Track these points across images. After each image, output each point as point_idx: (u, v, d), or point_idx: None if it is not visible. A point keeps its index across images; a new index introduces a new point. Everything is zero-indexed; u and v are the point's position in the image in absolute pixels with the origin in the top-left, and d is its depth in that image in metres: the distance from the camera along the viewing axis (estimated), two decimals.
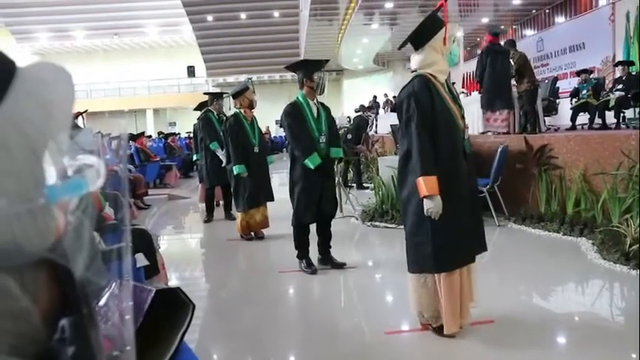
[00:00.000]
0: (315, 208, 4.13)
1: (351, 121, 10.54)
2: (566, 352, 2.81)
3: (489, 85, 7.05)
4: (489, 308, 3.37)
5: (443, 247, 2.68)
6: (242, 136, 5.43)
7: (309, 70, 4.21)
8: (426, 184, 2.59)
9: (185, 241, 6.64)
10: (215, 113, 7.04)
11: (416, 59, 2.84)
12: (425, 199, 2.60)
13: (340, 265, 4.36)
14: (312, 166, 4.01)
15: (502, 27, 8.57)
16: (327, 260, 4.40)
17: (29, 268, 0.29)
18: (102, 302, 0.42)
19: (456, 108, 2.80)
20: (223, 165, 6.49)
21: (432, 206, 2.60)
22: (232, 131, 5.41)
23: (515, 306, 3.43)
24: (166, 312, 0.68)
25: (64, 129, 0.33)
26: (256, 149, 5.50)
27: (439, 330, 2.83)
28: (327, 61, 4.55)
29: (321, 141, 4.17)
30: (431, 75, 2.76)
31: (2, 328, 0.27)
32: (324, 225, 4.38)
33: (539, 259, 4.54)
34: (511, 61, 7.11)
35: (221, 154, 6.60)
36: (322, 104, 4.37)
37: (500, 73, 6.93)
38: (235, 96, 5.68)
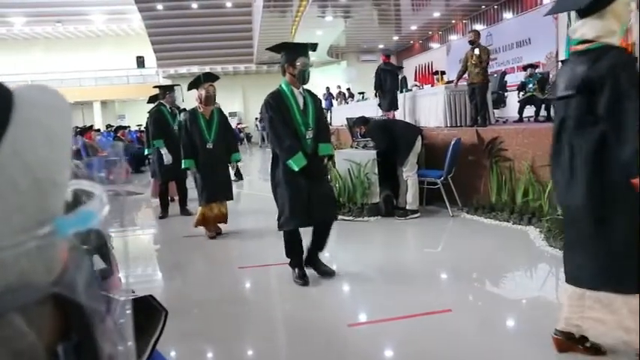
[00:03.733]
0: (303, 212, 3.59)
1: None
2: (518, 336, 2.94)
3: (386, 93, 9.17)
4: (446, 297, 3.49)
5: None
6: (195, 132, 5.32)
7: (291, 54, 3.66)
8: None
9: (140, 239, 6.46)
10: (168, 106, 6.86)
11: (593, 26, 2.18)
12: None
13: (329, 274, 3.83)
14: (296, 168, 3.49)
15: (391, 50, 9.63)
16: (313, 263, 3.88)
17: (37, 304, 0.29)
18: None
19: None
20: (166, 163, 6.47)
21: None
22: (184, 127, 5.39)
23: (469, 293, 3.56)
24: (137, 319, 0.65)
25: (66, 156, 0.32)
26: (209, 145, 5.33)
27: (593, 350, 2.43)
28: (315, 45, 3.91)
29: (307, 137, 3.63)
30: None
31: None
32: (319, 231, 3.82)
33: (491, 248, 4.72)
34: (476, 50, 7.33)
35: (165, 153, 6.49)
36: (310, 92, 3.79)
37: (390, 85, 9.11)
38: (189, 89, 5.57)
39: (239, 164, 5.75)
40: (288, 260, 3.87)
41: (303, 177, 3.54)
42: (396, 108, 9.22)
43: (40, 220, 0.28)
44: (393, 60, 10.52)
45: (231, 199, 5.59)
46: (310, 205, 3.57)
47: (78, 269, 0.32)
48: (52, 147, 0.30)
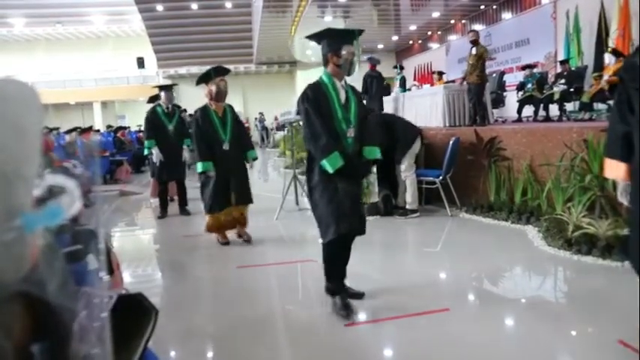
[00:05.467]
0: (344, 216, 3.08)
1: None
2: (515, 335, 2.95)
3: (371, 97, 10.10)
4: (444, 296, 3.50)
5: None
6: (209, 131, 4.85)
7: (335, 42, 3.19)
8: None
9: (139, 239, 6.47)
10: (164, 106, 6.86)
11: None
12: None
13: (359, 296, 3.42)
14: (330, 170, 3.03)
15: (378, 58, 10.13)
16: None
17: (3, 302, 0.27)
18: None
19: None
20: (155, 161, 6.55)
21: None
22: (197, 126, 4.89)
23: (468, 293, 3.58)
24: (128, 319, 0.65)
25: (35, 150, 0.30)
26: (225, 146, 4.87)
27: None
28: (362, 31, 3.34)
29: (348, 135, 3.16)
30: None
31: None
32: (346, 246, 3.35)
33: (489, 247, 4.73)
34: (473, 50, 7.35)
35: (156, 153, 6.53)
36: (352, 87, 3.33)
37: (376, 90, 10.08)
38: (198, 84, 5.16)
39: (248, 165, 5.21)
40: (326, 283, 3.32)
41: (342, 180, 3.10)
42: (382, 110, 10.09)
43: (7, 216, 0.27)
44: (392, 59, 10.79)
45: (250, 202, 5.10)
46: (351, 211, 3.12)
47: (49, 267, 0.30)
48: (20, 141, 0.29)
